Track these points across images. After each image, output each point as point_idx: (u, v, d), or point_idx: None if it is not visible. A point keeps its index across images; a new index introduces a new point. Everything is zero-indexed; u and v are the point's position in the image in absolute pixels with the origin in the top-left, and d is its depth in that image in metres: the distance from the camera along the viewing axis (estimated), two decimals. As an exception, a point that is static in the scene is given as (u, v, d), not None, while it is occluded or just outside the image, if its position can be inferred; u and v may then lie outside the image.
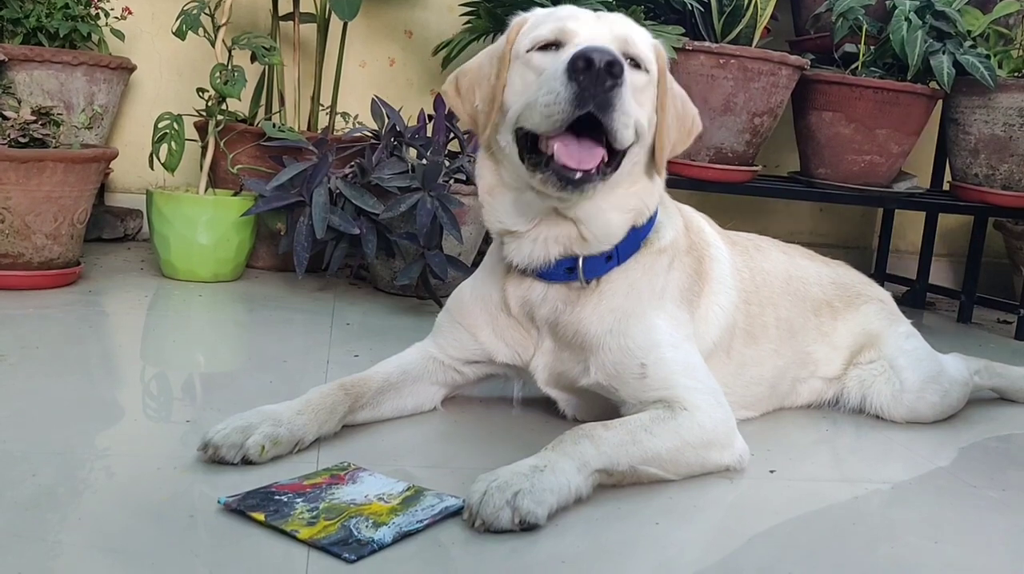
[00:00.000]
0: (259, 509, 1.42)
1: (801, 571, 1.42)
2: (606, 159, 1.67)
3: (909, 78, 3.42)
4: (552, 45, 1.72)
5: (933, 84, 3.45)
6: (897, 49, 3.36)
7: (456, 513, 1.48)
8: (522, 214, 1.81)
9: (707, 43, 3.18)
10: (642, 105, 1.74)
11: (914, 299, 4.17)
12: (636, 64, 1.74)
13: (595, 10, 1.85)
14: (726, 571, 1.42)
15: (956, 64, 3.35)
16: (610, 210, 1.79)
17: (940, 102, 3.65)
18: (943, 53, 3.35)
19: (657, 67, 1.81)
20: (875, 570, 1.47)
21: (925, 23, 3.37)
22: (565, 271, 1.82)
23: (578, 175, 1.63)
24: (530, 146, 1.71)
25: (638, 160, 1.78)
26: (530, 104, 1.66)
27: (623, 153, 1.71)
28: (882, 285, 4.16)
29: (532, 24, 1.79)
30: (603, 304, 1.83)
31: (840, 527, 1.62)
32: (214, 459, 1.58)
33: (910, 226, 4.61)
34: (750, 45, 3.27)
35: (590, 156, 1.63)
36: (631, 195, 1.82)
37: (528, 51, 1.74)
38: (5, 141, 2.70)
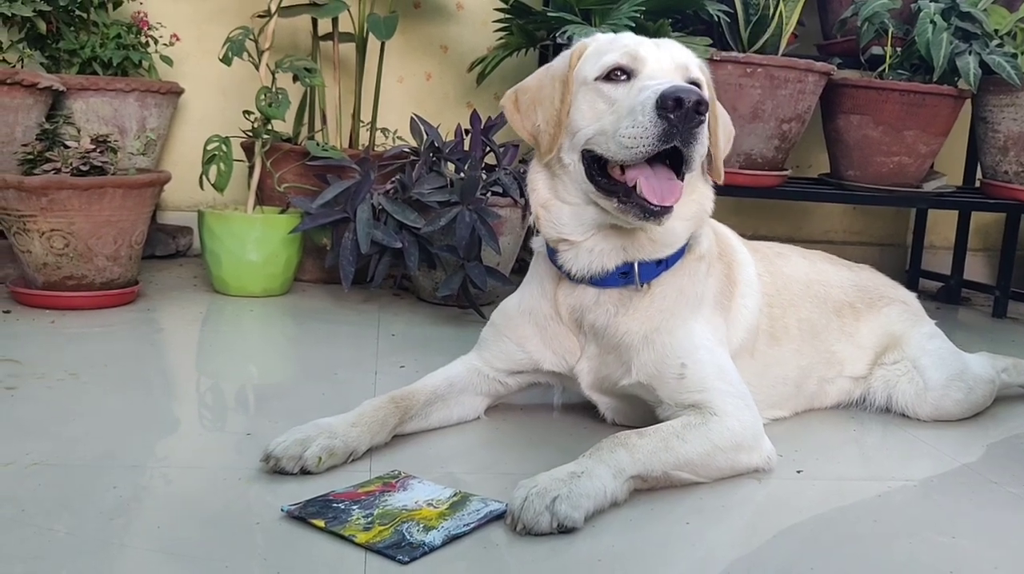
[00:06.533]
0: (319, 516, 1.54)
1: (819, 567, 1.52)
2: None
3: (935, 80, 3.47)
4: (620, 72, 1.83)
5: (962, 83, 3.50)
6: (923, 51, 3.42)
7: (500, 516, 1.59)
8: (579, 226, 1.92)
9: (734, 53, 3.26)
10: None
11: (949, 295, 4.20)
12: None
13: (627, 26, 1.94)
14: (750, 568, 1.52)
15: (982, 64, 3.40)
16: (674, 218, 1.87)
17: (969, 100, 3.70)
18: (969, 54, 3.40)
19: (707, 84, 1.93)
20: (889, 566, 1.55)
21: (950, 25, 3.42)
22: (620, 276, 1.93)
23: (659, 209, 1.76)
24: (598, 169, 1.85)
25: (696, 170, 1.88)
26: (605, 132, 1.79)
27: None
28: (917, 282, 4.27)
29: (595, 50, 1.90)
30: (653, 306, 1.94)
31: (860, 524, 1.71)
32: (275, 470, 1.72)
33: (944, 222, 4.64)
34: (777, 52, 3.34)
35: (671, 191, 1.76)
36: (691, 202, 1.94)
37: (596, 79, 1.85)
38: (68, 170, 2.86)
